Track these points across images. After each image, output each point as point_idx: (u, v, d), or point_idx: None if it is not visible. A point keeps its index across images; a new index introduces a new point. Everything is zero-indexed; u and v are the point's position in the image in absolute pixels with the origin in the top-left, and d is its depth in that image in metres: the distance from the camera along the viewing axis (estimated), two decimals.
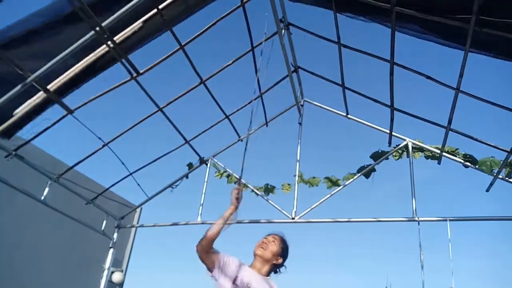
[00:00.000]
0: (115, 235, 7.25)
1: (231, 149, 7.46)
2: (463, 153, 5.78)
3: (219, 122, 6.71)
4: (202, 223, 6.69)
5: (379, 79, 6.17)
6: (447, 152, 5.88)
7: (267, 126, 7.32)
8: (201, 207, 6.85)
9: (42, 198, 5.68)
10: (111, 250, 7.14)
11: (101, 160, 6.56)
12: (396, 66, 4.96)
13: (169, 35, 4.71)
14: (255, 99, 6.55)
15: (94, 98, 4.86)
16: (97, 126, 5.41)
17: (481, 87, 5.44)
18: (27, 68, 3.78)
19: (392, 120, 6.03)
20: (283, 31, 5.17)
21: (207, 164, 7.35)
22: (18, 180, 5.38)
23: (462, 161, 5.75)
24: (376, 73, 7.02)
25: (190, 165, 7.40)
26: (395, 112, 5.85)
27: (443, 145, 5.77)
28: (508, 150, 4.98)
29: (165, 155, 6.70)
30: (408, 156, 6.18)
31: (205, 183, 7.13)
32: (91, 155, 5.75)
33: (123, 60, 4.53)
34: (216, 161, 7.39)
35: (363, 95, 6.06)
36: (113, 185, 6.77)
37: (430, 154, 6.09)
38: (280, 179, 6.97)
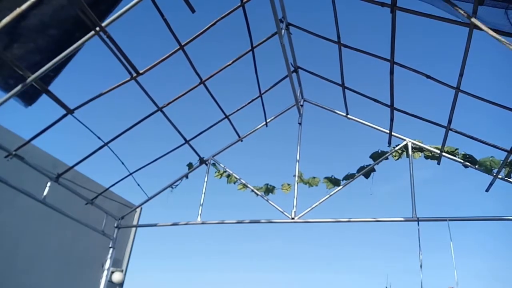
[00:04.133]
0: (115, 235, 7.26)
1: (231, 149, 7.48)
2: (463, 153, 5.78)
3: (219, 122, 6.72)
4: (202, 223, 6.69)
5: (379, 78, 6.18)
6: (447, 152, 5.88)
7: (266, 126, 7.32)
8: (201, 207, 6.85)
9: (42, 198, 5.67)
10: (111, 250, 7.14)
11: (101, 160, 6.57)
12: (396, 65, 4.97)
13: (169, 36, 4.72)
14: (255, 98, 6.59)
15: (94, 98, 4.85)
16: (97, 126, 5.41)
17: (481, 87, 5.45)
18: None
19: (392, 120, 6.04)
20: (283, 31, 5.17)
21: (207, 164, 7.36)
22: (18, 180, 5.38)
23: (462, 161, 5.75)
24: (376, 72, 7.02)
25: (190, 165, 7.41)
26: (395, 112, 5.86)
27: (443, 145, 5.77)
28: (508, 149, 4.98)
29: (165, 155, 6.71)
30: (407, 156, 6.18)
31: (205, 183, 7.14)
32: (91, 154, 5.75)
33: (123, 60, 4.53)
34: (216, 161, 7.40)
35: (363, 95, 6.07)
36: (113, 185, 6.77)
37: (430, 154, 6.09)
38: (280, 179, 6.99)
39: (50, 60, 3.98)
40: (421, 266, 4.93)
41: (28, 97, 4.33)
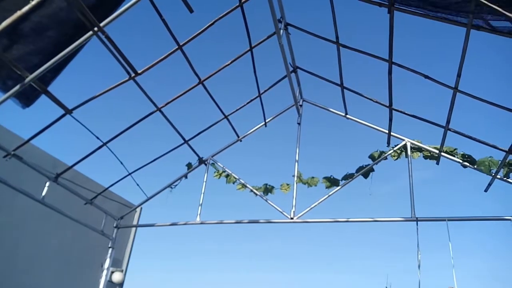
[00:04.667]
0: (115, 235, 7.26)
1: (230, 149, 7.48)
2: (462, 153, 5.78)
3: (218, 122, 6.72)
4: (201, 223, 6.70)
5: (378, 79, 6.18)
6: (446, 152, 5.88)
7: (265, 126, 7.33)
8: (200, 207, 6.86)
9: (41, 198, 5.68)
10: (110, 250, 7.15)
11: (100, 160, 6.58)
12: (395, 65, 4.97)
13: (168, 36, 4.72)
14: (254, 99, 6.59)
15: (93, 98, 4.86)
16: (96, 126, 5.42)
17: (480, 87, 5.45)
18: None
19: (390, 120, 6.04)
20: (281, 31, 5.17)
21: (206, 164, 7.36)
22: (17, 180, 5.39)
23: (461, 161, 5.75)
24: (375, 72, 7.03)
25: (189, 165, 7.42)
26: (393, 112, 5.86)
27: (442, 145, 5.77)
28: (507, 150, 4.98)
29: (164, 155, 6.71)
30: (406, 156, 6.18)
31: (204, 183, 7.15)
32: (90, 154, 5.76)
33: (122, 60, 4.54)
34: (215, 161, 7.40)
35: (362, 95, 6.07)
36: (112, 185, 6.78)
37: (429, 154, 6.09)
38: (279, 179, 7.00)
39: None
40: (419, 267, 4.94)
41: (26, 98, 4.34)
